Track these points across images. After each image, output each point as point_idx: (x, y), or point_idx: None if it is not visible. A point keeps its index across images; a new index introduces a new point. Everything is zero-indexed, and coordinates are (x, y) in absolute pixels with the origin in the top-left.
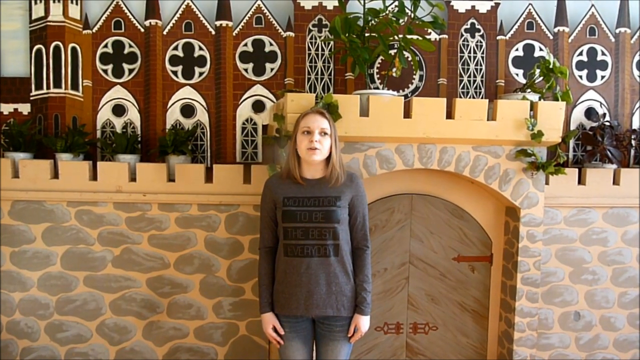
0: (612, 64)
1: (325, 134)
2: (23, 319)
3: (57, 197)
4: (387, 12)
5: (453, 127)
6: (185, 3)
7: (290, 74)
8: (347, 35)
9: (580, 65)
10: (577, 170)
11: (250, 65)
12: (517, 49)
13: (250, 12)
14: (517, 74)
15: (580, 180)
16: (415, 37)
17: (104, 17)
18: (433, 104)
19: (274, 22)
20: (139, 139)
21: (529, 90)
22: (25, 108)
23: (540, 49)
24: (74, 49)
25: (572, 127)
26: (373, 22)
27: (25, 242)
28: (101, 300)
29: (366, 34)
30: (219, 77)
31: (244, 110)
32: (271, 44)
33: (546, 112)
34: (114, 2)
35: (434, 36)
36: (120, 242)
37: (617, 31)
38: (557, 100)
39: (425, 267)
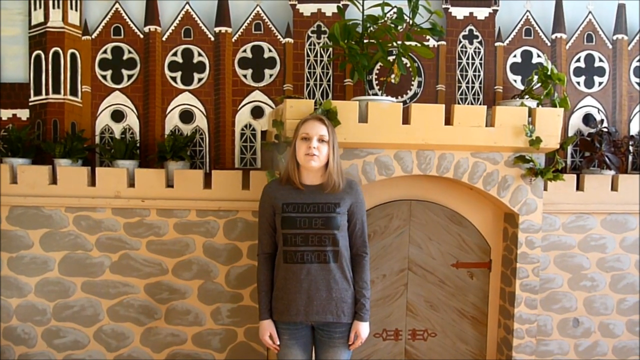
0: (610, 70)
1: (324, 141)
2: (20, 325)
3: (55, 202)
4: (386, 19)
5: (451, 133)
6: (185, 9)
7: (289, 80)
8: (346, 41)
9: (577, 72)
10: (575, 176)
11: (249, 71)
12: (515, 56)
13: (250, 19)
14: (515, 81)
15: (579, 187)
16: (413, 43)
17: (103, 23)
18: (431, 111)
19: (273, 28)
20: (138, 144)
21: (527, 96)
22: (24, 113)
23: (538, 56)
24: (73, 55)
25: (570, 133)
26: (372, 28)
27: (23, 248)
28: (99, 306)
29: (365, 41)
30: (218, 83)
31: (243, 116)
32: (270, 50)
33: (544, 118)
34: (114, 8)
35: (432, 43)
36: (119, 248)
37: (614, 38)
38: (555, 106)
39: (424, 274)
